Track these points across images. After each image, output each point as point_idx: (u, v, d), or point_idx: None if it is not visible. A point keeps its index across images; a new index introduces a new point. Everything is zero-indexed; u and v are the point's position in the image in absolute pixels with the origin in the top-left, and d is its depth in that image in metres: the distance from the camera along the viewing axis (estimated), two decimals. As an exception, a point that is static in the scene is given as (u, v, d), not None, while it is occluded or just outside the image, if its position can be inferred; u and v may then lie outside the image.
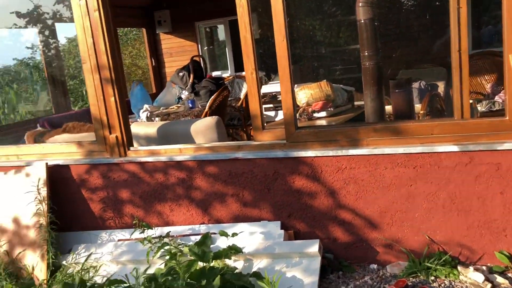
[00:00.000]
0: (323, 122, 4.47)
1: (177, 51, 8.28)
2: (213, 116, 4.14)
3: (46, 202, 3.88)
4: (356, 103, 5.30)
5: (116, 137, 3.85)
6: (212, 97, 5.19)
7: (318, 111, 4.56)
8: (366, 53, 3.57)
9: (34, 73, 9.63)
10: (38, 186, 3.86)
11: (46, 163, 3.99)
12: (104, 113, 3.84)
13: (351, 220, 3.34)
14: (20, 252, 3.93)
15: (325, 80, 4.69)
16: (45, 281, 3.78)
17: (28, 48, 13.03)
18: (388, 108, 4.26)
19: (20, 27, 7.14)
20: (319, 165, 3.32)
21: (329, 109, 4.60)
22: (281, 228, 3.48)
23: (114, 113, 3.82)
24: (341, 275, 3.27)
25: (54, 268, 3.87)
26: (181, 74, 6.12)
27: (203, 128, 4.00)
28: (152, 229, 3.67)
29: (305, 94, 4.51)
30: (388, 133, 3.16)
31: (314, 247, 3.19)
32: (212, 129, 3.99)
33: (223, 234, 3.34)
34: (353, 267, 3.33)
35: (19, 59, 13.30)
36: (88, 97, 3.91)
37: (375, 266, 3.32)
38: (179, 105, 5.63)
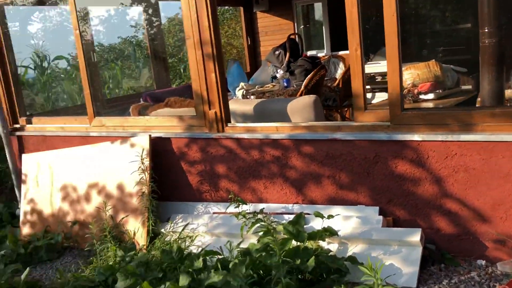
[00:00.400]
0: (429, 105, 4.18)
1: (273, 29, 8.23)
2: (311, 95, 4.05)
3: (148, 172, 4.08)
4: (463, 87, 4.89)
5: (215, 112, 3.91)
6: (309, 76, 5.08)
7: (425, 93, 4.27)
8: (486, 30, 3.23)
9: (136, 51, 10.19)
10: (142, 156, 4.05)
11: (150, 135, 4.18)
12: (204, 88, 3.91)
13: (458, 211, 3.10)
14: (123, 218, 4.18)
15: (433, 60, 4.37)
16: (144, 246, 3.99)
17: (132, 26, 13.79)
18: (507, 92, 3.86)
19: (126, 6, 7.52)
20: (426, 150, 3.10)
21: (437, 91, 4.29)
22: (379, 214, 3.33)
23: (214, 89, 3.87)
24: (443, 268, 3.06)
25: (153, 235, 4.08)
26: (277, 52, 6.07)
27: (300, 107, 3.92)
28: (246, 204, 3.71)
29: (411, 74, 4.24)
30: (509, 118, 2.85)
31: (415, 236, 3.01)
32: (310, 108, 3.90)
33: (318, 215, 3.27)
34: (457, 261, 3.09)
35: (123, 37, 14.15)
36: (190, 73, 4.01)
37: (483, 262, 3.06)
38: (274, 83, 5.60)
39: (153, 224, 4.04)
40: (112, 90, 8.95)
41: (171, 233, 4.03)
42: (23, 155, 5.03)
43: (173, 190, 4.27)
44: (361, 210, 3.40)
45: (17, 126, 5.22)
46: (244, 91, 5.33)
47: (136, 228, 4.10)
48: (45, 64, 8.01)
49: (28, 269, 3.72)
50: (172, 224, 4.06)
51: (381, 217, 3.27)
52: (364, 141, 3.30)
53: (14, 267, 3.79)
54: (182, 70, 11.08)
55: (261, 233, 3.40)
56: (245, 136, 3.81)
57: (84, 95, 4.63)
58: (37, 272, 4.09)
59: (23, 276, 3.60)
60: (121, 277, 3.17)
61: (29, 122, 5.19)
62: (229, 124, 3.94)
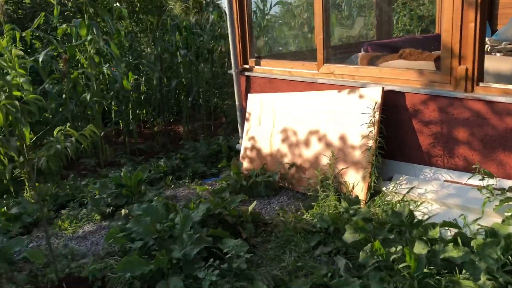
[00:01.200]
0: None
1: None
2: None
3: (377, 126, 3.88)
4: None
5: (466, 69, 3.44)
6: None
7: None
8: None
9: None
10: (374, 109, 3.85)
11: (383, 88, 3.93)
12: (457, 40, 3.45)
13: None
14: (342, 168, 4.11)
15: None
16: (364, 202, 3.88)
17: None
18: None
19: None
20: None
21: None
22: None
23: (470, 42, 3.38)
24: None
25: (373, 192, 3.93)
26: (532, 4, 5.09)
27: None
28: (493, 178, 3.24)
29: None
30: None
31: None
32: None
33: None
34: None
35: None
36: (443, 22, 3.57)
37: None
38: (527, 41, 4.75)
39: (375, 181, 3.88)
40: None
41: (393, 193, 3.82)
42: (249, 95, 5.32)
43: (398, 149, 4.01)
44: None
45: (246, 66, 5.50)
46: (489, 47, 4.64)
47: (355, 181, 4.00)
48: (266, 9, 8.32)
49: (255, 202, 3.96)
50: (395, 185, 3.83)
51: None
52: None
53: (241, 197, 4.08)
54: (394, 22, 10.38)
55: (509, 214, 2.95)
56: (502, 99, 3.27)
57: (316, 40, 4.56)
58: (256, 206, 4.35)
59: (250, 208, 3.83)
60: (349, 230, 3.10)
61: (257, 63, 5.42)
62: (481, 84, 3.43)
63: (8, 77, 2.91)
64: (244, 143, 5.26)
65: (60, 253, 3.57)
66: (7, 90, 2.78)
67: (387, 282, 2.70)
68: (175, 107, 8.71)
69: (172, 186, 5.32)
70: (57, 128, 3.10)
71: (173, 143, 7.68)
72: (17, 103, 2.83)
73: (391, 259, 2.81)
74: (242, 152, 5.28)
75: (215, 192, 4.59)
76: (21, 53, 2.98)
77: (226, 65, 8.58)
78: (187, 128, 7.91)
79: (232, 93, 8.21)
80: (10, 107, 2.80)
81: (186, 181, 5.50)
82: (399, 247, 2.85)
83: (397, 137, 3.98)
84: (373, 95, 3.95)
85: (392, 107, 3.96)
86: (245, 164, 5.16)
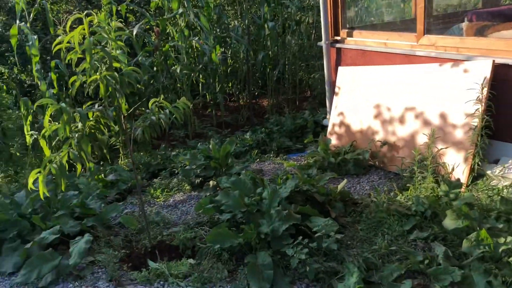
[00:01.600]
0: None
1: None
2: None
3: (484, 103, 3.52)
4: None
5: None
6: None
7: None
8: None
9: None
10: (482, 85, 3.49)
11: (493, 61, 3.55)
12: None
13: None
14: (441, 149, 3.81)
15: None
16: (464, 185, 3.58)
17: None
18: None
19: None
20: None
21: None
22: None
23: None
24: None
25: (475, 175, 3.61)
26: None
27: None
28: None
29: None
30: None
31: None
32: None
33: None
34: None
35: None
36: None
37: None
38: None
39: (478, 163, 3.55)
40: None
41: (499, 177, 3.48)
42: (340, 68, 5.10)
43: (508, 129, 3.62)
44: None
45: (338, 38, 5.26)
46: None
47: (456, 163, 3.69)
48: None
49: (345, 180, 3.81)
50: (503, 168, 3.48)
51: None
52: None
53: (330, 175, 3.95)
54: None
55: None
56: None
57: (417, 9, 4.21)
58: (345, 185, 4.19)
59: (340, 186, 3.70)
60: (451, 215, 2.87)
61: (349, 35, 5.16)
62: None
63: (107, 49, 2.99)
64: (332, 119, 5.08)
65: (153, 220, 3.70)
66: (107, 62, 2.87)
67: (493, 275, 2.47)
68: (260, 81, 8.67)
69: (258, 159, 5.31)
70: (152, 100, 3.15)
71: (258, 116, 7.67)
72: (116, 74, 2.91)
73: (499, 250, 2.56)
74: (329, 128, 5.12)
75: (301, 168, 4.50)
76: (121, 25, 3.04)
77: (313, 37, 8.33)
78: (272, 101, 7.86)
79: (318, 66, 7.99)
80: (110, 79, 2.88)
81: (271, 155, 5.47)
82: (510, 238, 2.59)
83: (507, 116, 3.59)
84: (482, 69, 3.58)
85: (502, 82, 3.57)
86: (333, 140, 5.00)
